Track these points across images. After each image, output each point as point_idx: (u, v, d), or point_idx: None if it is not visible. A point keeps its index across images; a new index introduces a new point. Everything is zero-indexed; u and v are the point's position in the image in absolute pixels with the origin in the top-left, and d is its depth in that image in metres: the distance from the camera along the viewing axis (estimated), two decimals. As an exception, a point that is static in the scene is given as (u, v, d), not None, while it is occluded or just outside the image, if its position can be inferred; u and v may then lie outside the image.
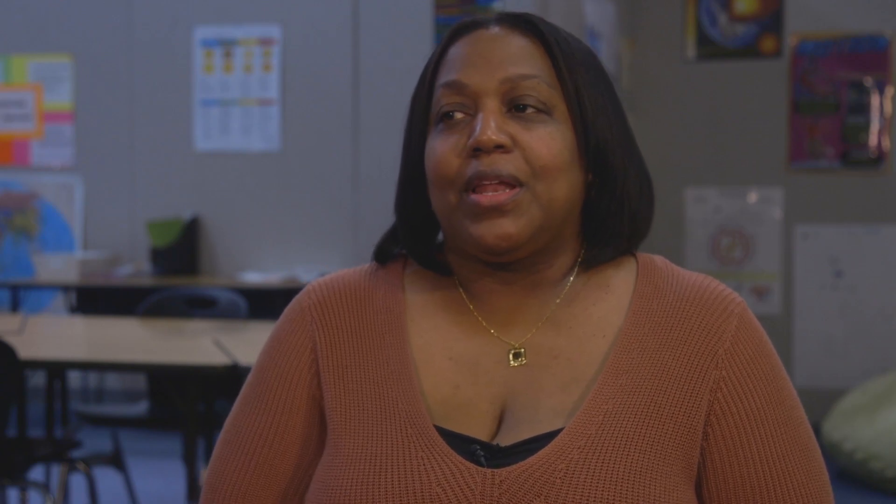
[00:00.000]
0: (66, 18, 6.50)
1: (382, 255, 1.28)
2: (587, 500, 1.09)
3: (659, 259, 1.27)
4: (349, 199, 6.07)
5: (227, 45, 6.28)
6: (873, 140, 6.06)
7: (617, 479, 1.10)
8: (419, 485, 1.12)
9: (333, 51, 6.11)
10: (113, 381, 6.46)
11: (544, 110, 1.17)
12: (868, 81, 6.04)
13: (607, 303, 1.22)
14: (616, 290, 1.23)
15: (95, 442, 4.90)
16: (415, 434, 1.15)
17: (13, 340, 3.31)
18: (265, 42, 6.23)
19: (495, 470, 1.11)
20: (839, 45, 6.06)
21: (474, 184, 1.15)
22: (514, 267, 1.20)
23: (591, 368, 1.18)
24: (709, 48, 6.24)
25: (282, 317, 1.29)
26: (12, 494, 4.37)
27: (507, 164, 1.15)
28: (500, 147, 1.15)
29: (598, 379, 1.16)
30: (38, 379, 5.04)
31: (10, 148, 6.64)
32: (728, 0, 6.20)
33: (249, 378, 1.29)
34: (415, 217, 1.24)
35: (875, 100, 6.04)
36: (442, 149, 1.17)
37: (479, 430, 1.16)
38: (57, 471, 3.92)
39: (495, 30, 1.21)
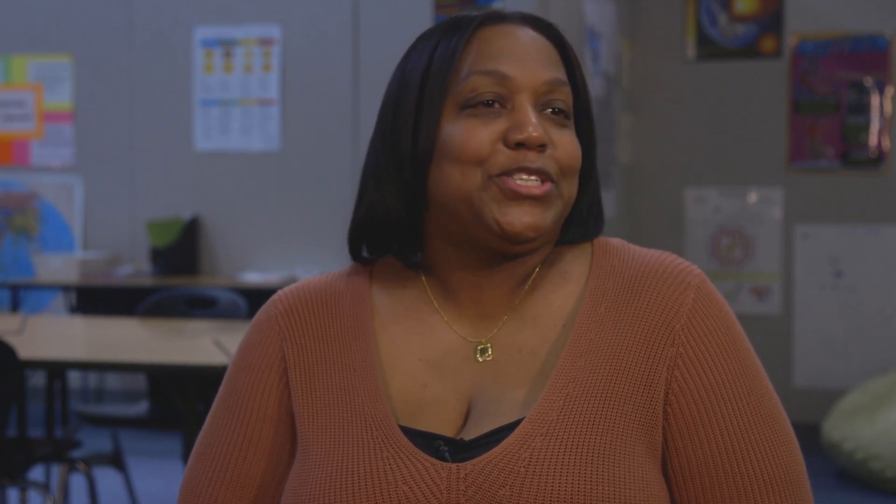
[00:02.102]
0: (66, 18, 6.50)
1: (359, 255, 1.28)
2: (552, 486, 1.10)
3: (615, 241, 1.28)
4: (349, 199, 6.04)
5: (227, 45, 6.28)
6: (873, 140, 6.06)
7: (580, 463, 1.11)
8: (385, 485, 1.12)
9: (333, 51, 6.11)
10: (113, 381, 6.46)
11: (567, 116, 1.21)
12: (868, 81, 6.05)
13: (565, 290, 1.23)
14: (573, 276, 1.24)
15: (95, 442, 4.90)
16: (380, 436, 1.15)
17: (13, 340, 3.31)
18: (265, 42, 6.23)
19: (460, 464, 1.12)
20: (839, 45, 6.06)
21: (512, 174, 1.16)
22: (505, 259, 1.21)
23: (553, 358, 1.19)
24: (709, 48, 6.24)
25: (249, 327, 1.29)
26: (12, 494, 4.38)
27: (546, 161, 1.17)
28: (541, 146, 1.17)
29: (557, 365, 1.17)
30: (38, 379, 5.04)
31: (10, 148, 6.64)
32: (728, 0, 6.20)
33: (220, 391, 1.29)
34: (403, 202, 1.22)
35: (875, 100, 6.04)
36: (474, 131, 1.17)
37: (445, 427, 1.17)
38: (57, 471, 3.92)
39: (522, 27, 1.22)
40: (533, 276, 1.23)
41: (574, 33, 5.05)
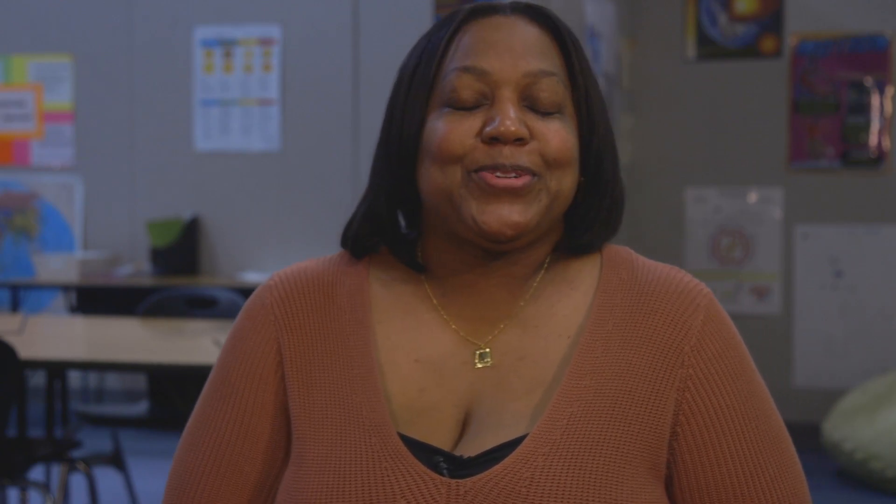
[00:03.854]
0: (66, 18, 6.50)
1: (358, 247, 1.24)
2: None
3: (624, 250, 1.24)
4: (349, 199, 6.07)
5: (227, 45, 6.28)
6: (873, 140, 6.05)
7: (582, 484, 1.09)
8: (383, 495, 1.10)
9: (333, 51, 6.11)
10: (113, 381, 6.46)
11: (557, 110, 1.16)
12: (868, 81, 6.04)
13: (572, 299, 1.20)
14: (580, 286, 1.21)
15: (95, 442, 4.90)
16: (379, 443, 1.13)
17: (13, 340, 3.30)
18: (265, 42, 6.23)
19: (460, 480, 1.10)
20: (839, 45, 6.06)
21: (489, 169, 1.13)
22: (496, 257, 1.17)
23: (556, 371, 1.16)
24: (709, 48, 6.24)
25: (243, 312, 1.25)
26: (12, 494, 4.37)
27: (524, 157, 1.13)
28: (518, 139, 1.13)
29: (561, 381, 1.14)
30: (38, 379, 5.03)
31: (10, 148, 6.63)
32: (728, 0, 6.20)
33: (212, 377, 1.25)
34: (392, 197, 1.21)
35: (875, 100, 6.04)
36: (452, 128, 1.15)
37: (443, 435, 1.14)
38: (57, 471, 3.92)
39: (513, 18, 1.19)
40: (537, 282, 1.20)
41: (574, 33, 5.03)
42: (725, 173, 6.23)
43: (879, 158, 6.05)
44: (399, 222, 1.23)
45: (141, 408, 4.34)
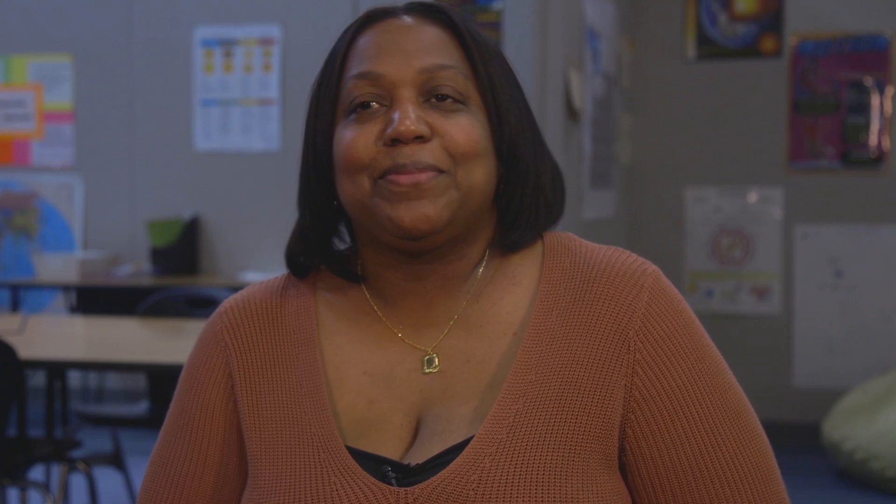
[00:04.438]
0: (66, 18, 6.50)
1: (298, 268, 1.26)
2: None
3: (566, 237, 1.23)
4: (349, 199, 6.07)
5: (227, 45, 6.28)
6: (873, 140, 6.05)
7: (530, 482, 1.08)
8: None
9: (333, 51, 6.11)
10: (113, 381, 6.46)
11: (460, 100, 1.16)
12: (868, 81, 6.04)
13: (515, 295, 1.19)
14: (522, 280, 1.20)
15: (95, 442, 4.90)
16: (328, 458, 1.13)
17: (13, 340, 3.30)
18: (265, 42, 6.23)
19: (408, 488, 1.09)
20: (839, 45, 6.06)
21: (392, 173, 1.13)
22: (427, 258, 1.17)
23: (503, 370, 1.15)
24: (709, 48, 6.24)
25: (196, 341, 1.27)
26: (12, 494, 4.37)
27: (426, 154, 1.13)
28: (419, 138, 1.13)
29: (507, 378, 1.13)
30: (38, 379, 5.03)
31: (10, 148, 6.64)
32: (728, 0, 6.20)
33: (171, 407, 1.27)
34: (321, 216, 1.23)
35: (875, 100, 6.04)
36: (355, 136, 1.15)
37: (394, 445, 1.14)
38: (57, 471, 3.92)
39: (407, 19, 1.19)
40: (477, 281, 1.19)
41: (574, 33, 5.05)
42: (725, 173, 6.23)
43: (879, 158, 6.05)
44: (330, 239, 1.25)
45: (141, 408, 4.34)
